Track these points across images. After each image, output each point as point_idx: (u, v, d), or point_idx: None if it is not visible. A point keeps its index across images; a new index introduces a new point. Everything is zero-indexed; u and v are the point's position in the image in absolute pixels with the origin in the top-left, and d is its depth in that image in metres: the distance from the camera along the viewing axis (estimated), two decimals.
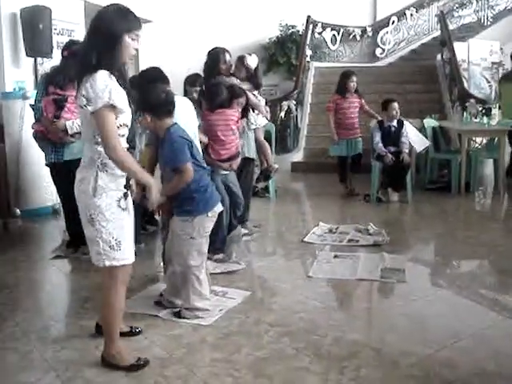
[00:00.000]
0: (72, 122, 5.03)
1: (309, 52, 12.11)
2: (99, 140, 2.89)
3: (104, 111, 2.82)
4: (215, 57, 5.62)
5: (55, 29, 8.07)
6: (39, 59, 7.64)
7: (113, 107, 2.84)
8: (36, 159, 6.67)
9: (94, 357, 3.33)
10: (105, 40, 2.88)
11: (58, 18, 7.99)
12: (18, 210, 7.07)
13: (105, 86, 2.83)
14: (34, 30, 7.32)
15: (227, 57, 5.65)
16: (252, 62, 6.10)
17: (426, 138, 8.31)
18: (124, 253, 3.05)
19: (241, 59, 6.20)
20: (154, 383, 3.04)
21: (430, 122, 8.73)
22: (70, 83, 4.96)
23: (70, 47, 5.11)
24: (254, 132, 6.26)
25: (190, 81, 5.77)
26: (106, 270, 3.07)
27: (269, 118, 7.02)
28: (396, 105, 7.64)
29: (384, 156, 7.45)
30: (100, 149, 2.90)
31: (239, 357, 3.31)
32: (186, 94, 5.63)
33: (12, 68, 7.38)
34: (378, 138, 7.63)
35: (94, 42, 2.91)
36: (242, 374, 3.12)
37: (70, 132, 5.04)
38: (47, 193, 6.92)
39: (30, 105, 5.76)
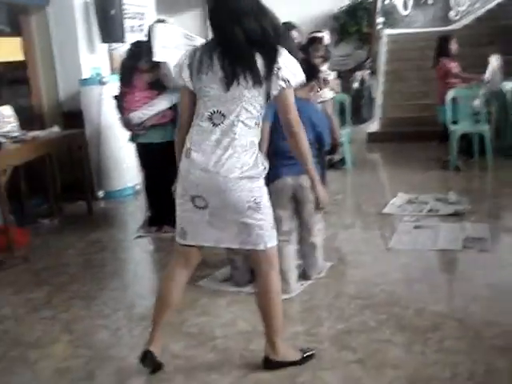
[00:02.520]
0: (134, 114, 5.14)
1: (380, 19, 11.87)
2: (260, 122, 2.79)
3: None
4: None
5: (127, 13, 8.20)
6: (113, 44, 7.81)
7: None
8: (116, 142, 6.87)
9: (180, 333, 3.45)
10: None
11: (129, 2, 8.11)
12: (100, 193, 7.31)
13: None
14: (106, 16, 7.47)
15: (294, 34, 5.62)
16: (328, 39, 6.04)
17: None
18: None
19: (319, 40, 6.16)
20: (240, 357, 3.12)
21: (510, 85, 8.42)
22: (130, 78, 5.12)
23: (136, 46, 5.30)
24: (323, 105, 6.21)
25: None
26: (262, 255, 2.84)
27: (338, 91, 6.96)
28: None
29: None
30: (259, 131, 2.80)
31: (322, 329, 3.36)
32: None
33: (88, 55, 7.56)
34: None
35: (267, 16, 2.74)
36: (325, 346, 3.16)
37: (134, 122, 5.17)
38: (128, 174, 7.11)
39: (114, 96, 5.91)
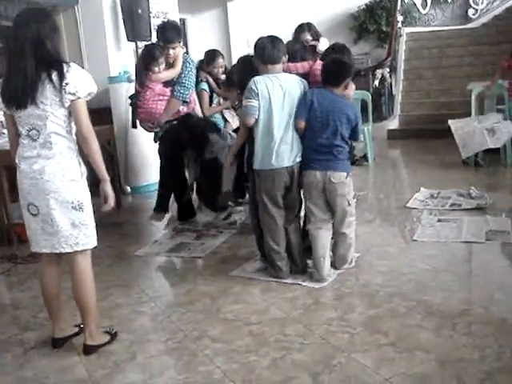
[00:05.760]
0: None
1: (400, 18, 11.96)
2: (73, 128, 3.10)
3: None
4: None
5: (151, 12, 8.36)
6: (139, 43, 7.98)
7: None
8: (142, 139, 7.03)
9: (216, 318, 3.61)
10: None
11: (153, 1, 8.27)
12: (128, 188, 7.50)
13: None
14: (133, 15, 7.65)
15: (307, 35, 5.65)
16: (324, 46, 5.93)
17: None
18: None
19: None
20: (276, 341, 3.26)
21: None
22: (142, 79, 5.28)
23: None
24: None
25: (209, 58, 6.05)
26: (81, 253, 3.20)
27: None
28: None
29: None
30: (74, 137, 3.11)
31: (353, 315, 3.50)
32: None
33: (115, 53, 7.76)
34: None
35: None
36: (357, 330, 3.30)
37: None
38: (154, 170, 7.27)
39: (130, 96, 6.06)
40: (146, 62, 5.22)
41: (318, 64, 4.49)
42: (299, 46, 4.74)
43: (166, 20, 6.02)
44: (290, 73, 4.21)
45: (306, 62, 4.52)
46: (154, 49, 5.27)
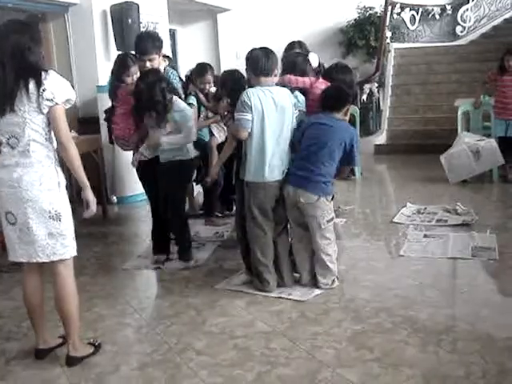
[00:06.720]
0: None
1: (388, 33, 12.02)
2: (52, 136, 3.10)
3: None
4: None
5: (141, 22, 8.36)
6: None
7: None
8: None
9: (201, 331, 3.59)
10: None
11: (144, 12, 8.27)
12: (114, 197, 7.47)
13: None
14: (123, 25, 7.64)
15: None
16: (312, 61, 5.84)
17: None
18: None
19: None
20: (261, 355, 3.25)
21: None
22: (114, 91, 4.93)
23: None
24: None
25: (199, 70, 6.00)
26: (61, 263, 3.17)
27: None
28: None
29: None
30: (54, 145, 3.12)
31: (339, 330, 3.49)
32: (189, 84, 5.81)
33: (104, 62, 7.73)
34: None
35: None
36: (343, 346, 3.29)
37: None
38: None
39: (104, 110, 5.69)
40: (117, 72, 4.91)
41: (320, 83, 4.48)
42: (301, 59, 4.69)
43: (143, 30, 5.80)
44: (290, 84, 4.20)
45: (308, 78, 4.50)
46: (125, 57, 4.94)
